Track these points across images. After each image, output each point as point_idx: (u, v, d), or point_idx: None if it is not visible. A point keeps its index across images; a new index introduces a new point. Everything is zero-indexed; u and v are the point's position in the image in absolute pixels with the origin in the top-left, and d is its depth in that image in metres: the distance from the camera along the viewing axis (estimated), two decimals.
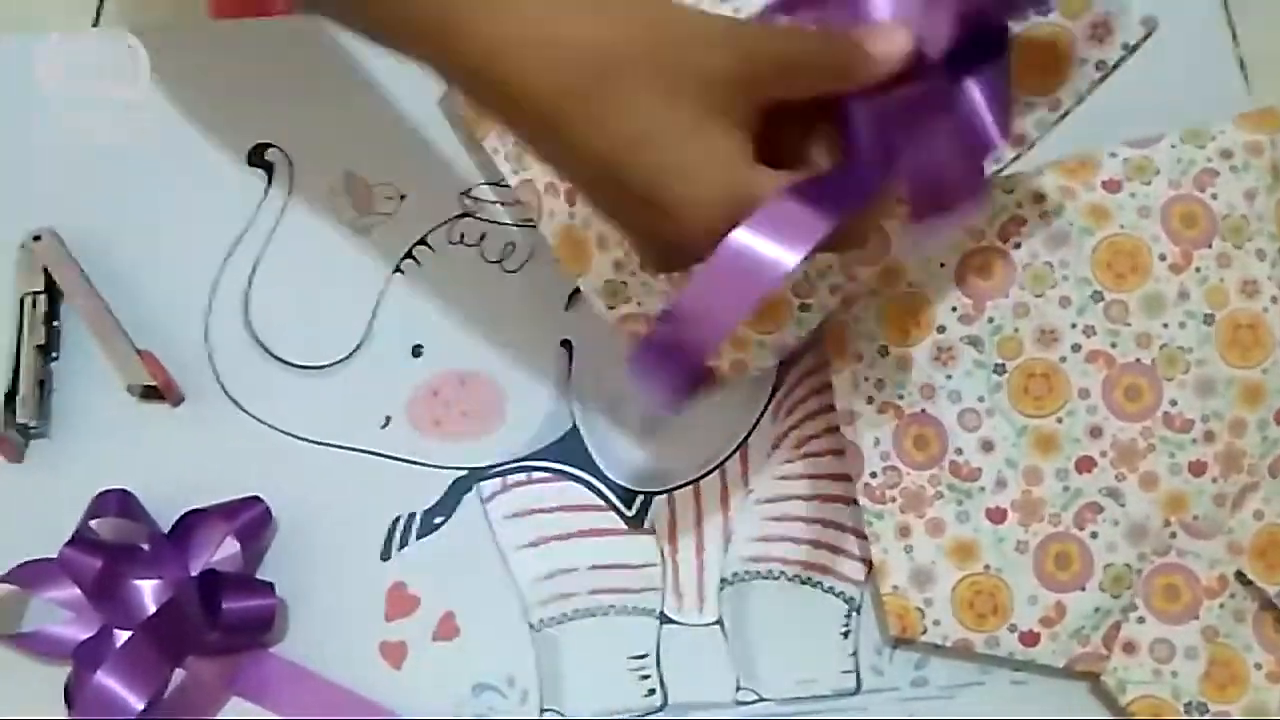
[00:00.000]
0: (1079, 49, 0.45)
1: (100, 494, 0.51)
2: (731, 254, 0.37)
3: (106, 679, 0.47)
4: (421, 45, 0.41)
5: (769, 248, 0.36)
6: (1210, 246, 0.51)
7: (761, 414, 0.55)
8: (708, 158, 0.38)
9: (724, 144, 0.38)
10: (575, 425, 0.54)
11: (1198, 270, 0.51)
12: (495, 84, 0.39)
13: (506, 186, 0.56)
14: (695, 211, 0.38)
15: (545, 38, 0.38)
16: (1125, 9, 0.45)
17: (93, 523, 0.51)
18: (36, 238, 0.55)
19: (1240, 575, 0.50)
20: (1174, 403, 0.50)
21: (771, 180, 0.38)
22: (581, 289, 0.53)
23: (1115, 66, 0.46)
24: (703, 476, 0.54)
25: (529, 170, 0.54)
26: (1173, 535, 0.50)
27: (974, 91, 0.42)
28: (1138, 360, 0.50)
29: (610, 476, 0.54)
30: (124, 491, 0.51)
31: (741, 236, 0.37)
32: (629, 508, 0.54)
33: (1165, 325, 0.51)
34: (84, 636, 0.50)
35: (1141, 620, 0.50)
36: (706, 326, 0.37)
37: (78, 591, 0.50)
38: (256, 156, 0.58)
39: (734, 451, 0.54)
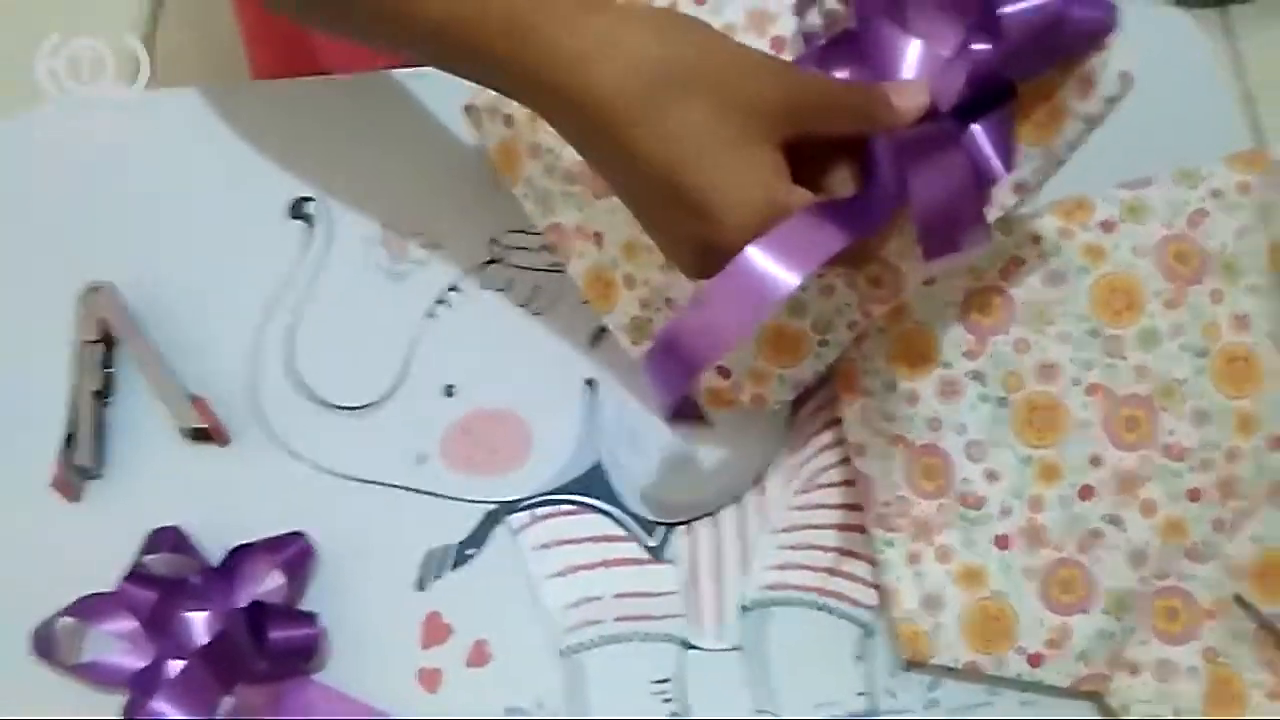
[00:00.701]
0: (1069, 102, 0.48)
1: (154, 531, 0.54)
2: (743, 268, 0.40)
3: (161, 705, 0.49)
4: (484, 56, 0.45)
5: (777, 266, 0.40)
6: (1203, 283, 0.53)
7: (777, 449, 0.57)
8: (752, 172, 0.42)
9: (767, 161, 0.43)
10: (599, 461, 0.57)
11: (1191, 306, 0.53)
12: (566, 92, 0.43)
13: (533, 233, 0.60)
14: (739, 218, 0.42)
15: (615, 52, 0.43)
16: (1104, 63, 0.47)
17: (147, 558, 0.53)
18: (95, 289, 0.58)
19: (1239, 598, 0.52)
20: (1171, 432, 0.52)
21: (805, 198, 0.42)
22: (609, 326, 0.56)
23: (1099, 119, 0.49)
24: (722, 508, 0.57)
25: (557, 214, 0.57)
26: (1173, 560, 0.52)
27: (980, 134, 0.45)
28: (1135, 393, 0.53)
29: (632, 509, 0.56)
30: (176, 528, 0.54)
31: (753, 253, 0.40)
32: (651, 538, 0.56)
33: (1161, 359, 0.53)
34: (139, 665, 0.53)
35: (1144, 642, 0.52)
36: (712, 333, 0.41)
37: (134, 623, 0.52)
38: (297, 210, 0.61)
39: (751, 484, 0.57)
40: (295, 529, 0.55)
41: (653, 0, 0.52)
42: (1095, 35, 0.46)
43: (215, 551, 0.54)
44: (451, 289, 0.60)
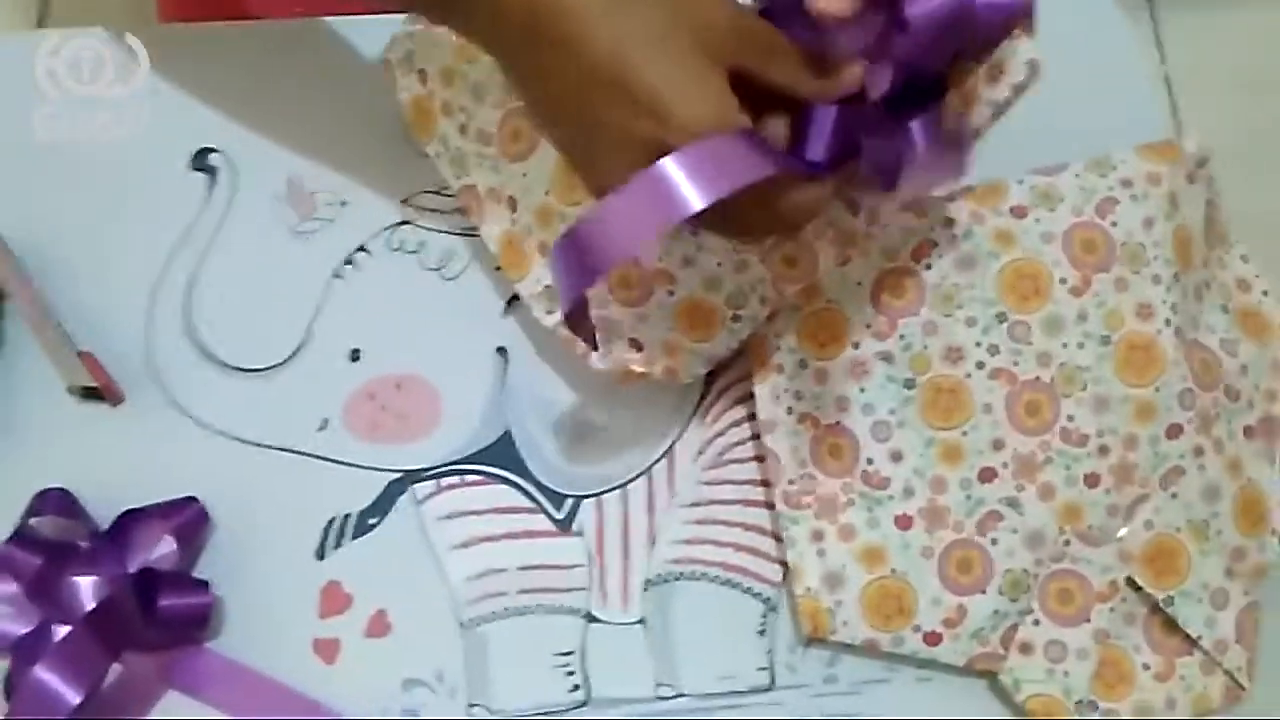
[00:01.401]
0: (979, 89, 0.48)
1: (40, 493, 0.52)
2: (656, 176, 0.41)
3: (44, 673, 0.48)
4: None
5: (690, 182, 0.40)
6: (1109, 271, 0.54)
7: (688, 422, 0.57)
8: (705, 84, 0.43)
9: (716, 79, 0.43)
10: (508, 430, 0.56)
11: (1096, 294, 0.54)
12: None
13: (447, 195, 0.58)
14: (690, 123, 0.42)
15: None
16: (1014, 51, 0.47)
17: (32, 521, 0.52)
18: None
19: (1131, 581, 0.54)
20: (1071, 418, 0.53)
21: (746, 122, 0.43)
22: (520, 294, 0.55)
23: (1006, 105, 0.49)
24: (630, 481, 0.56)
25: (471, 176, 0.56)
26: (1067, 543, 0.53)
27: (917, 132, 0.45)
28: (1038, 378, 0.53)
29: (541, 480, 0.56)
30: (63, 490, 0.53)
31: (668, 164, 0.40)
32: (559, 510, 0.56)
33: (1065, 345, 0.54)
34: (22, 632, 0.51)
35: (1037, 623, 0.53)
36: (615, 237, 0.41)
37: (17, 588, 0.51)
38: (199, 160, 0.59)
39: (660, 458, 0.57)
40: (189, 493, 0.53)
41: None
42: (1008, 23, 0.45)
43: (104, 515, 0.53)
44: (360, 249, 0.58)
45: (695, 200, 0.40)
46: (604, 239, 0.41)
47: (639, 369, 0.54)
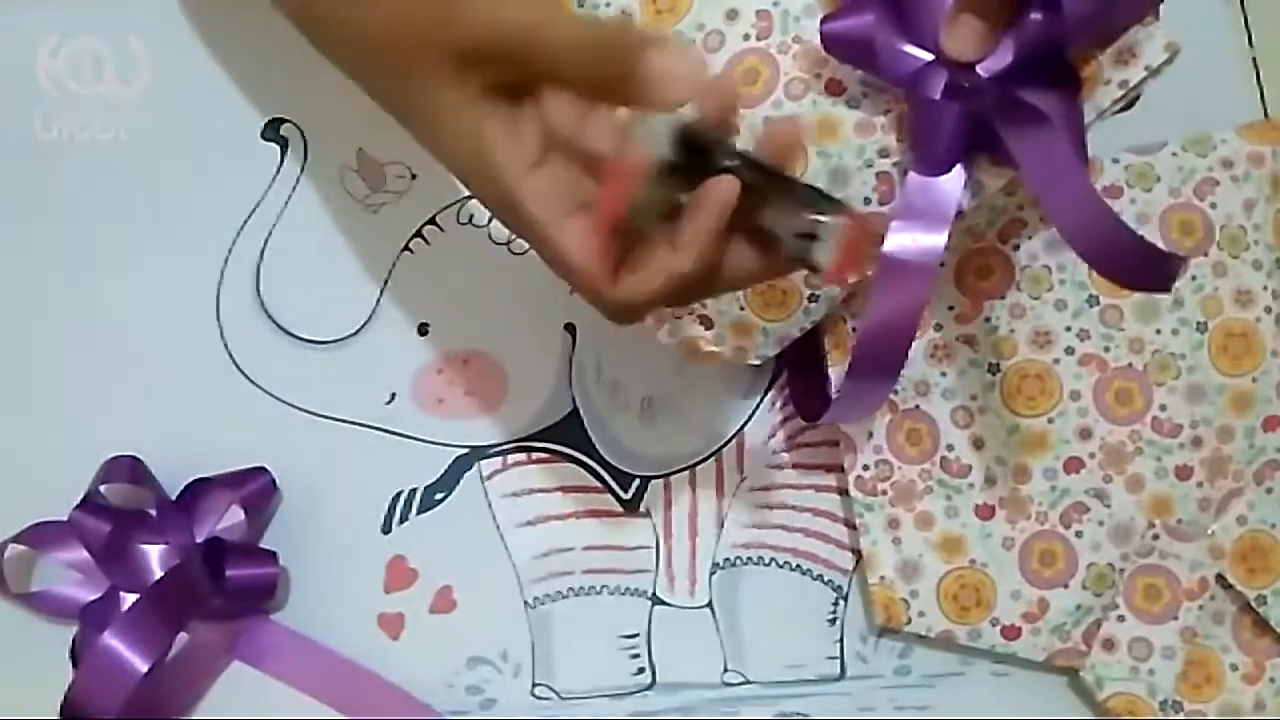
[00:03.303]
0: (1104, 69, 0.46)
1: (110, 460, 0.52)
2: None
3: (112, 640, 0.48)
4: None
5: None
6: (1207, 255, 0.52)
7: (759, 403, 0.56)
8: (464, 123, 0.40)
9: (469, 114, 0.39)
10: (576, 408, 0.55)
11: (1193, 278, 0.51)
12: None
13: None
14: (459, 173, 0.41)
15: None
16: (1150, 34, 0.46)
17: (102, 488, 0.52)
18: None
19: (1221, 578, 0.51)
20: (1163, 408, 0.51)
21: (530, 182, 0.39)
22: None
23: (1136, 87, 0.47)
24: (699, 463, 0.55)
25: None
26: (1156, 537, 0.51)
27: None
28: (1130, 365, 0.51)
29: (608, 459, 0.55)
30: (134, 458, 0.53)
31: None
32: (625, 490, 0.55)
33: (1158, 331, 0.51)
34: (91, 598, 0.51)
35: (1121, 619, 0.51)
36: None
37: (86, 554, 0.51)
38: (271, 131, 0.58)
39: (731, 439, 0.55)
40: (257, 464, 0.53)
41: None
42: (1141, 12, 0.44)
43: (173, 484, 0.53)
44: (429, 223, 0.57)
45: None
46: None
47: (708, 348, 0.53)
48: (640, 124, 0.37)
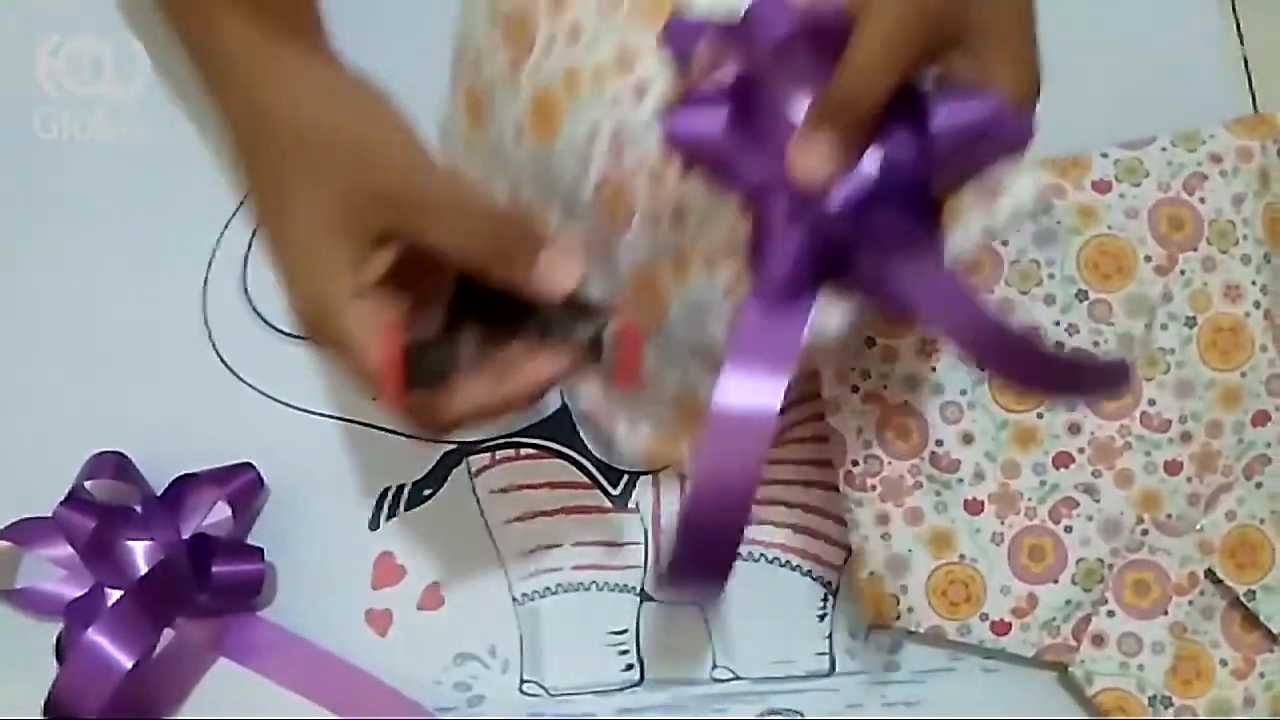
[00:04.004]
0: (966, 208, 0.42)
1: (96, 455, 0.52)
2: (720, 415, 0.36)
3: (96, 636, 0.47)
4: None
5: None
6: (1196, 250, 0.52)
7: None
8: (321, 263, 0.41)
9: (340, 255, 0.41)
10: (565, 403, 0.55)
11: (1182, 273, 0.51)
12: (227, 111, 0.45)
13: None
14: (297, 303, 0.42)
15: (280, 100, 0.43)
16: (1019, 172, 0.41)
17: (88, 484, 0.51)
18: None
19: (1210, 573, 0.51)
20: (1152, 402, 0.51)
21: (356, 306, 0.40)
22: None
23: (1003, 232, 0.43)
24: (688, 459, 0.55)
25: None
26: (1145, 532, 0.51)
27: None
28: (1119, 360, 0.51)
29: (597, 455, 0.55)
30: (119, 454, 0.52)
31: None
32: (614, 486, 0.55)
33: (1147, 326, 0.51)
34: (76, 594, 0.51)
35: (1111, 614, 0.51)
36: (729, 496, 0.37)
37: (71, 550, 0.50)
38: None
39: None
40: (244, 459, 0.53)
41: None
42: (1009, 148, 0.39)
43: (159, 480, 0.52)
44: None
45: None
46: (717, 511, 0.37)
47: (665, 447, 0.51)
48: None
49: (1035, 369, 0.37)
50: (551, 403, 0.55)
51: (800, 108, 0.38)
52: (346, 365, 0.41)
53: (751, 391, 0.37)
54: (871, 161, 0.38)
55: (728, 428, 0.37)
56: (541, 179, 0.47)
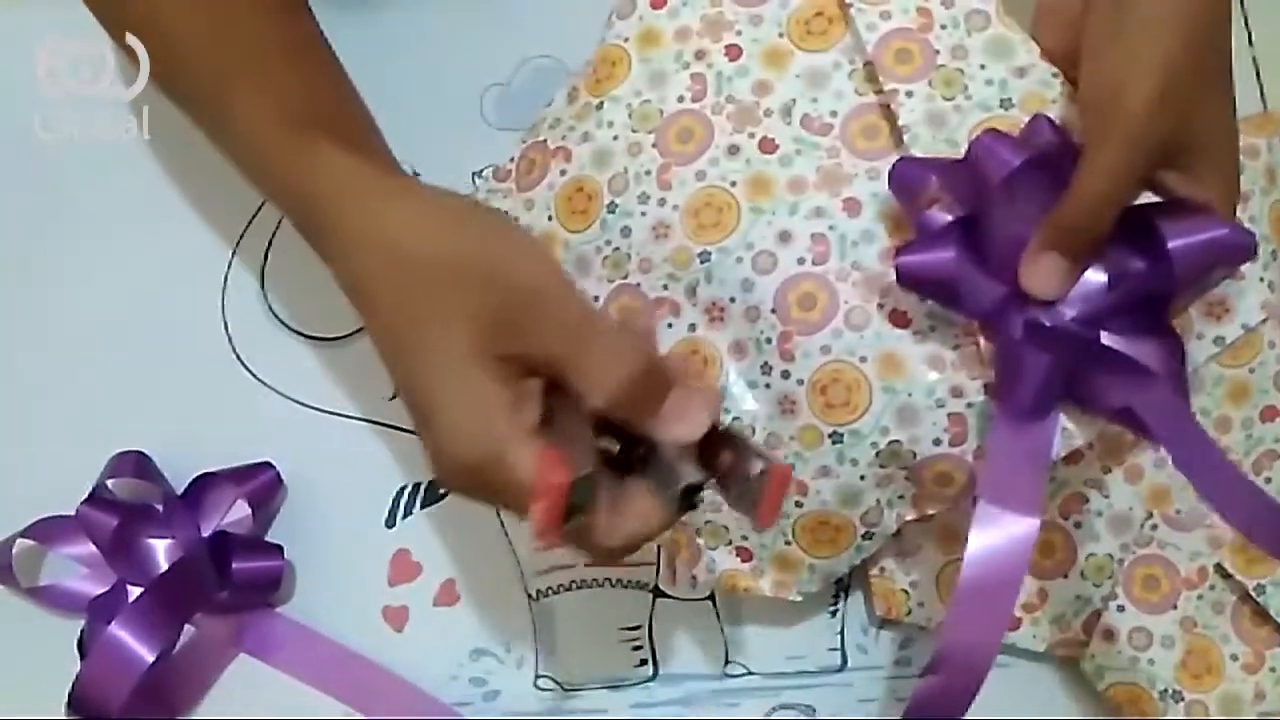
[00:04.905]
0: (1195, 323, 0.47)
1: (117, 455, 0.53)
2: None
3: (118, 631, 0.48)
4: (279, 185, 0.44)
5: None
6: None
7: None
8: (463, 383, 0.38)
9: (487, 388, 0.38)
10: None
11: None
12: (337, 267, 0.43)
13: None
14: (442, 460, 0.39)
15: (380, 244, 0.40)
16: (1242, 290, 0.46)
17: (109, 482, 0.52)
18: None
19: (1220, 568, 0.51)
20: None
21: (525, 448, 0.38)
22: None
23: (1232, 344, 0.47)
24: None
25: (541, 134, 0.54)
26: (1154, 527, 0.51)
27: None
28: None
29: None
30: (140, 453, 0.53)
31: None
32: None
33: None
34: (98, 592, 0.52)
35: (1121, 609, 0.51)
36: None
37: (93, 548, 0.51)
38: None
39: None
40: (263, 459, 0.54)
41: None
42: (1236, 261, 0.43)
43: (180, 479, 0.53)
44: None
45: None
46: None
47: (745, 583, 0.50)
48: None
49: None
50: None
51: (1027, 234, 0.41)
52: (504, 504, 0.40)
53: (1006, 531, 0.40)
54: (1099, 278, 0.42)
55: (980, 576, 0.40)
56: (681, 272, 0.48)
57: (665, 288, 0.49)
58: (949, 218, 0.43)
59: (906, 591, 0.52)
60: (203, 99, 0.45)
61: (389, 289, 0.40)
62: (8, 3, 0.58)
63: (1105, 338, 0.42)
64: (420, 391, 0.39)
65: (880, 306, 0.46)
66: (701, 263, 0.48)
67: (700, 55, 0.50)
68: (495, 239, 0.40)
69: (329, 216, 0.42)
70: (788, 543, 0.49)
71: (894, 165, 0.45)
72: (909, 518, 0.49)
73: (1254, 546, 0.44)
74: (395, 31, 0.60)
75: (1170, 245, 0.41)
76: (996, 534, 0.40)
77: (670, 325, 0.49)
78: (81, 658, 0.50)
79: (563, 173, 0.51)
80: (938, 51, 0.48)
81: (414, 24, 0.60)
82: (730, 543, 0.50)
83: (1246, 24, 0.61)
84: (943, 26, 0.48)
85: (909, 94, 0.47)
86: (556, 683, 0.53)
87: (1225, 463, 0.40)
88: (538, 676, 0.53)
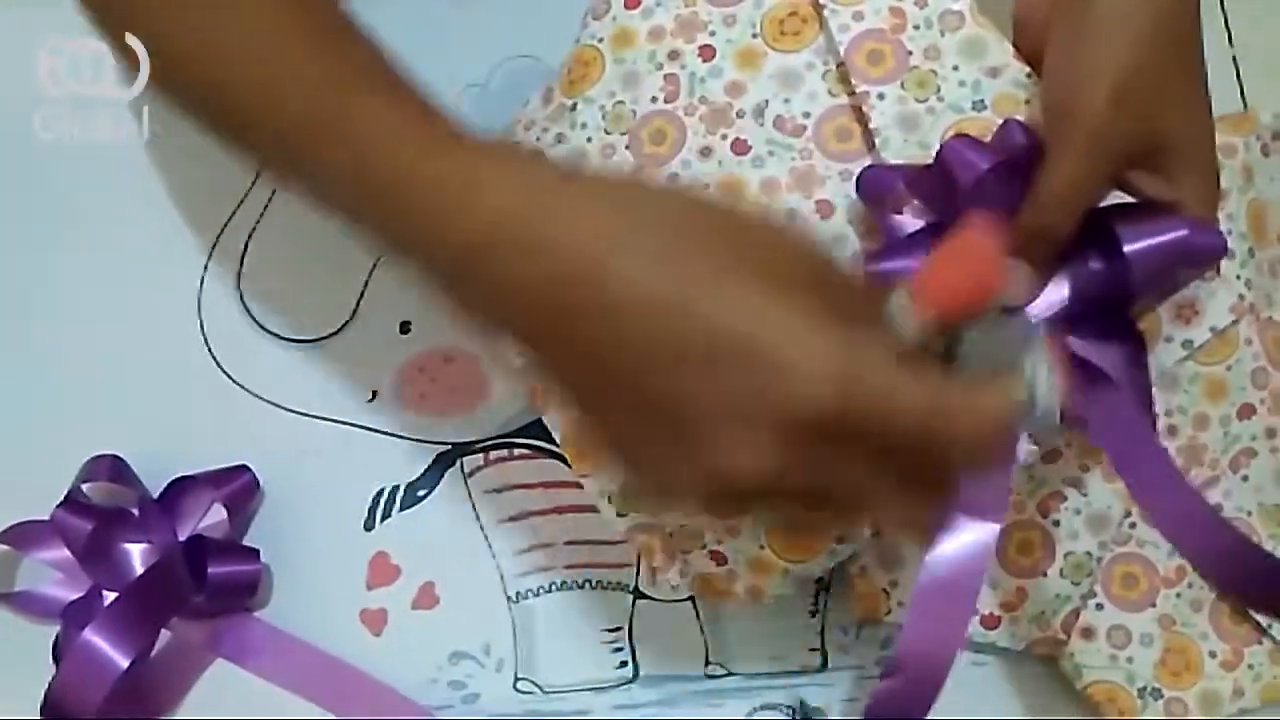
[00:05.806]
0: (1163, 325, 0.46)
1: (92, 458, 0.53)
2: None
3: (93, 636, 0.48)
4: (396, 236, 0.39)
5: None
6: None
7: None
8: (803, 317, 0.33)
9: (808, 307, 0.33)
10: None
11: None
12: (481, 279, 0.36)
13: None
14: (813, 370, 0.32)
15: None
16: (1213, 291, 0.46)
17: (84, 486, 0.52)
18: None
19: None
20: None
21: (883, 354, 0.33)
22: None
23: (1200, 348, 0.47)
24: None
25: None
26: (1133, 526, 0.51)
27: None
28: None
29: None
30: (115, 457, 0.53)
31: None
32: None
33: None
34: (73, 597, 0.51)
35: (1100, 607, 0.51)
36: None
37: (68, 553, 0.51)
38: None
39: None
40: (239, 462, 0.53)
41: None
42: (1203, 263, 0.43)
43: (156, 482, 0.53)
44: None
45: None
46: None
47: (720, 587, 0.50)
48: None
49: (1238, 573, 0.40)
50: None
51: None
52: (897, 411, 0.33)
53: (969, 532, 0.39)
54: (1061, 283, 0.41)
55: (940, 579, 0.39)
56: None
57: None
58: (919, 223, 0.43)
59: (887, 591, 0.52)
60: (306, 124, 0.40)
61: (574, 314, 0.34)
62: (8, 3, 0.58)
63: (1072, 342, 0.42)
64: (748, 334, 0.33)
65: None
66: None
67: (674, 56, 0.50)
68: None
69: (506, 218, 0.36)
70: (761, 547, 0.49)
71: (861, 173, 0.45)
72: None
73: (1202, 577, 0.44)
74: (372, 31, 0.60)
75: (1127, 248, 0.41)
76: (957, 537, 0.40)
77: None
78: (56, 664, 0.49)
79: None
80: (910, 53, 0.48)
81: (391, 24, 0.60)
82: (704, 546, 0.50)
83: (1226, 24, 0.61)
84: (916, 27, 0.48)
85: (880, 96, 0.47)
86: (536, 685, 0.53)
87: (1182, 485, 0.40)
88: (517, 679, 0.53)
